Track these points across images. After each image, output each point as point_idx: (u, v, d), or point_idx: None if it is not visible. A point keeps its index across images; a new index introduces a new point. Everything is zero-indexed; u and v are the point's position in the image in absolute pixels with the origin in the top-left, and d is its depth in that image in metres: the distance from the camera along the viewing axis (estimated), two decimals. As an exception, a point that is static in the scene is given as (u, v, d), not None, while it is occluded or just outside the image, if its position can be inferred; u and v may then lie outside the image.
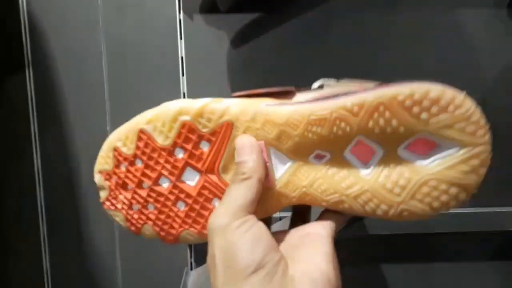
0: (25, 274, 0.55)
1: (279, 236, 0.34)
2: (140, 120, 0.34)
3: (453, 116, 0.27)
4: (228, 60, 0.52)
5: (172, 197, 0.34)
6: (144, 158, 0.34)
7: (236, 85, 0.52)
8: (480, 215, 0.51)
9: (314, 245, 0.32)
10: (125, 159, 0.34)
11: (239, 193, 0.32)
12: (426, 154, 0.29)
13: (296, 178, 0.33)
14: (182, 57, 0.52)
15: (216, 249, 0.30)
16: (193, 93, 0.53)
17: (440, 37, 0.51)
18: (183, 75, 0.53)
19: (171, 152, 0.34)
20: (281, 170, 0.34)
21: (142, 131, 0.34)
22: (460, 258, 0.55)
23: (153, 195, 0.34)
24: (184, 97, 0.53)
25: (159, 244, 0.53)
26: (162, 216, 0.35)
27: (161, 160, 0.34)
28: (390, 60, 0.51)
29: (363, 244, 0.55)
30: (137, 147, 0.34)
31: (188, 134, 0.33)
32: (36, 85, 0.53)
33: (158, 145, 0.33)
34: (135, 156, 0.34)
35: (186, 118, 0.33)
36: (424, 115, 0.27)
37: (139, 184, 0.34)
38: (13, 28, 0.52)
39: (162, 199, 0.34)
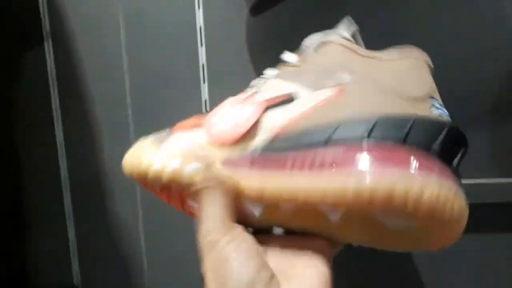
0: (51, 247, 0.57)
1: (275, 243, 0.33)
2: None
3: None
4: (247, 29, 0.51)
5: None
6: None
7: (255, 54, 0.51)
8: None
9: (310, 264, 0.31)
10: None
11: (215, 204, 0.31)
12: None
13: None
14: (200, 27, 0.51)
15: (208, 267, 0.30)
16: (212, 63, 0.52)
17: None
18: (201, 45, 0.52)
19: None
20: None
21: None
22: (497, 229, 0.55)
23: None
24: (203, 68, 0.52)
25: (182, 219, 0.53)
26: None
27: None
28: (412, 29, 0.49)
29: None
30: None
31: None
32: (55, 58, 0.53)
33: None
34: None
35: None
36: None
37: None
38: (30, 1, 0.52)
39: None
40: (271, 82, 0.34)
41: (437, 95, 0.32)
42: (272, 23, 0.50)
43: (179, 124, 0.34)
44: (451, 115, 0.34)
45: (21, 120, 0.54)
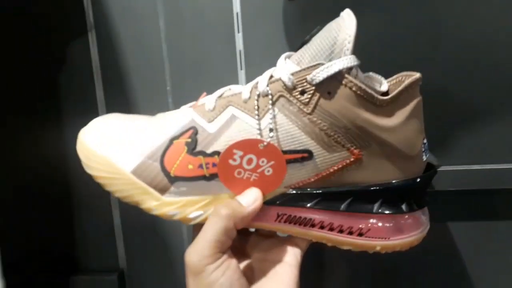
0: (97, 232, 0.59)
1: (257, 244, 0.37)
2: None
3: None
4: (284, 15, 0.51)
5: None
6: None
7: (292, 39, 0.51)
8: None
9: (281, 278, 0.35)
10: None
11: (213, 228, 0.33)
12: None
13: None
14: (237, 13, 0.52)
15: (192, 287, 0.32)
16: (249, 50, 0.52)
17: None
18: (238, 31, 0.52)
19: None
20: None
21: None
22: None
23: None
24: (240, 54, 0.52)
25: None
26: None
27: None
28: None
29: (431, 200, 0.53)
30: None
31: None
32: (98, 48, 0.55)
33: None
34: None
35: None
36: None
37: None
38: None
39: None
40: (285, 127, 0.34)
41: (423, 132, 0.37)
42: (310, 7, 0.50)
43: (178, 169, 0.35)
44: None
45: (67, 109, 0.57)
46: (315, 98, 0.32)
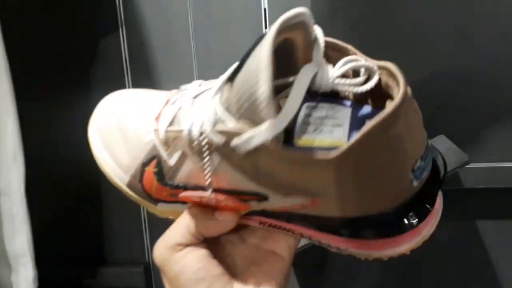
0: (125, 226, 0.60)
1: (241, 244, 0.35)
2: None
3: None
4: (312, 11, 0.51)
5: None
6: None
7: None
8: None
9: (269, 270, 0.33)
10: None
11: (178, 224, 0.32)
12: None
13: None
14: (265, 9, 0.52)
15: (164, 283, 0.32)
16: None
17: None
18: (266, 27, 0.52)
19: None
20: None
21: None
22: None
23: None
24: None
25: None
26: None
27: None
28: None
29: (458, 197, 0.52)
30: None
31: None
32: (129, 44, 0.56)
33: None
34: None
35: None
36: None
37: None
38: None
39: None
40: (232, 173, 0.30)
41: (421, 150, 0.29)
42: (337, 4, 0.50)
43: (156, 194, 0.34)
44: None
45: (99, 99, 0.58)
46: (248, 160, 0.28)
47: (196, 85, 0.34)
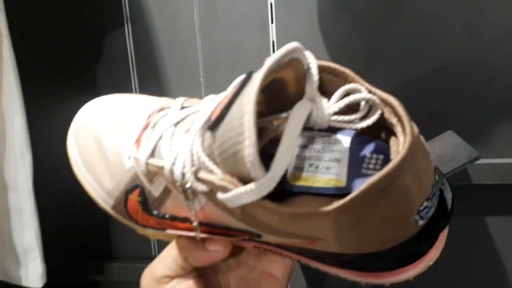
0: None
1: (235, 264, 0.33)
2: None
3: None
4: (319, 5, 0.50)
5: None
6: None
7: (325, 30, 0.50)
8: None
9: (272, 275, 0.32)
10: None
11: (166, 255, 0.31)
12: None
13: None
14: (271, 3, 0.52)
15: None
16: (282, 41, 0.52)
17: None
18: (272, 22, 0.52)
19: None
20: None
21: None
22: None
23: None
24: (273, 45, 0.52)
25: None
26: None
27: None
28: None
29: (466, 193, 0.51)
30: None
31: None
32: (134, 39, 0.56)
33: None
34: None
35: None
36: None
37: None
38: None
39: None
40: (220, 214, 0.28)
41: (428, 191, 0.26)
42: (344, -4, 0.49)
43: (143, 221, 0.32)
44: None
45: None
46: (238, 209, 0.26)
47: (177, 107, 0.31)
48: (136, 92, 0.57)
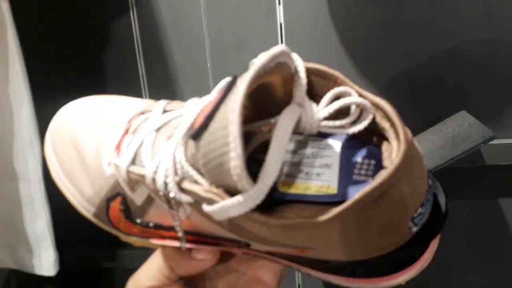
0: None
1: (223, 270, 0.32)
2: None
3: None
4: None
5: None
6: None
7: (332, 11, 0.49)
8: None
9: (261, 281, 0.31)
10: None
11: (150, 264, 0.30)
12: None
13: None
14: (281, 24, 0.51)
15: None
16: (290, 22, 0.51)
17: None
18: (279, 3, 0.51)
19: None
20: None
21: None
22: None
23: None
24: (281, 27, 0.51)
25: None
26: None
27: None
28: None
29: (479, 174, 0.51)
30: None
31: None
32: (140, 25, 0.55)
33: None
34: None
35: None
36: None
37: None
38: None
39: None
40: (205, 223, 0.27)
41: (422, 197, 0.25)
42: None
43: (126, 229, 0.31)
44: None
45: (112, 82, 0.58)
46: (225, 220, 0.25)
47: (159, 111, 0.30)
48: (143, 79, 0.57)
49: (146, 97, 0.58)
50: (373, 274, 0.27)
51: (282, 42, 0.52)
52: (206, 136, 0.22)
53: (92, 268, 0.65)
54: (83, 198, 0.32)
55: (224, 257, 0.32)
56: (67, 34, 0.57)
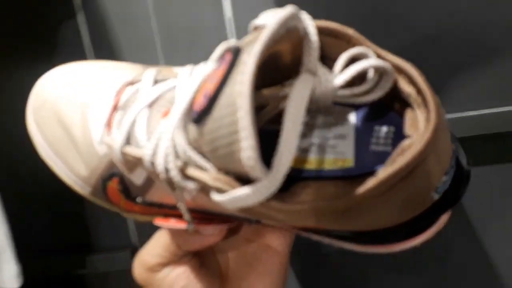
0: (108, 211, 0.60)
1: (232, 238, 0.31)
2: None
3: None
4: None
5: None
6: None
7: (282, 4, 0.50)
8: None
9: (267, 269, 0.30)
10: None
11: (155, 241, 0.29)
12: None
13: None
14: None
15: None
16: (240, 17, 0.51)
17: None
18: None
19: None
20: None
21: None
22: None
23: None
24: (229, 22, 0.52)
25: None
26: None
27: None
28: None
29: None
30: None
31: None
32: (89, 30, 0.55)
33: None
34: None
35: None
36: None
37: None
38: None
39: None
40: (211, 204, 0.25)
41: (447, 165, 0.23)
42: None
43: (126, 207, 0.30)
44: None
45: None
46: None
47: (149, 83, 0.27)
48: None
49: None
50: (391, 241, 0.26)
51: (233, 36, 0.52)
52: (210, 123, 0.20)
53: (64, 276, 0.65)
54: (78, 178, 0.30)
55: (233, 229, 0.31)
56: (12, 42, 0.56)
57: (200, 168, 0.22)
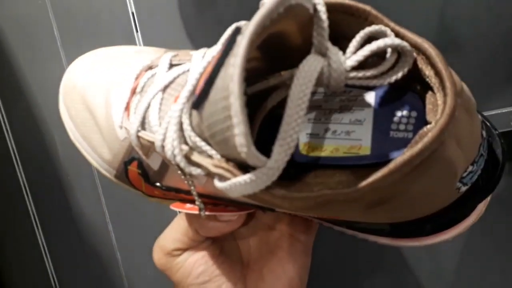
0: (24, 254, 0.51)
1: (253, 223, 0.31)
2: None
3: None
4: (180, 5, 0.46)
5: None
6: None
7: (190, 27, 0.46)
8: None
9: (290, 256, 0.29)
10: None
11: (173, 227, 0.29)
12: None
13: None
14: (133, 13, 0.47)
15: (175, 277, 0.29)
16: (142, 11, 0.47)
17: None
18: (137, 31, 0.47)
19: None
20: None
21: None
22: None
23: None
24: (133, 17, 0.46)
25: (150, 215, 0.49)
26: None
27: None
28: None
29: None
30: None
31: None
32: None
33: None
34: None
35: None
36: None
37: None
38: None
39: None
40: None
41: (474, 154, 0.21)
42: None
43: (148, 191, 0.30)
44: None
45: None
46: None
47: (165, 67, 0.26)
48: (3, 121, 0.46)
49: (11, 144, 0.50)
50: (416, 235, 0.25)
51: (137, 31, 0.47)
52: (208, 107, 0.18)
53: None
54: (103, 161, 0.30)
55: (253, 214, 0.29)
56: None
57: (205, 154, 0.22)
